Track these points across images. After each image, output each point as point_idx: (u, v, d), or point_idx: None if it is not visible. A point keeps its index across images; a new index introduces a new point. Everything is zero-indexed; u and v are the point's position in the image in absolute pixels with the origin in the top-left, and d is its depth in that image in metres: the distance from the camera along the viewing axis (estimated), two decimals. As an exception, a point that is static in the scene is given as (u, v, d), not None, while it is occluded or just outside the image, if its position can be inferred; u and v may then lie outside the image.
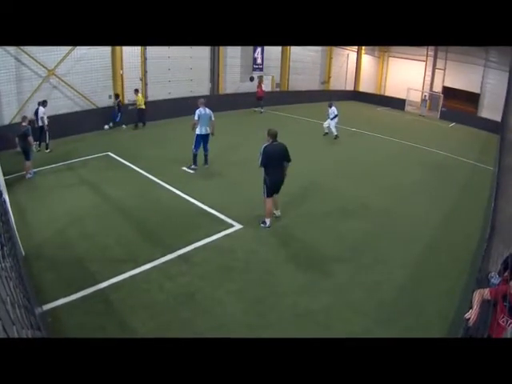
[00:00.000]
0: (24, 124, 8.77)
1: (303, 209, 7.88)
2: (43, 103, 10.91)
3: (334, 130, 14.18)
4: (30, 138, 8.65)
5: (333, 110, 13.98)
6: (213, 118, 9.24)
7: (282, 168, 6.67)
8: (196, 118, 9.06)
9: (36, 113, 10.74)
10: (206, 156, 9.70)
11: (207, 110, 9.11)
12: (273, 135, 6.59)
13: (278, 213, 7.24)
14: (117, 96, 13.74)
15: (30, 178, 8.74)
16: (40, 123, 10.73)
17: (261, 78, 19.19)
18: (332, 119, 14.02)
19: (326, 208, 7.99)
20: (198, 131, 9.19)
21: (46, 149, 10.83)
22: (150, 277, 5.35)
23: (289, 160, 6.69)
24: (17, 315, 2.33)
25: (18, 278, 3.66)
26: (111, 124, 13.59)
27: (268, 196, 6.74)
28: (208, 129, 9.23)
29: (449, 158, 12.79)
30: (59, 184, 8.52)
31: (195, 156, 9.43)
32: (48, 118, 10.86)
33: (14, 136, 8.83)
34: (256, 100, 18.34)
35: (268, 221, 6.89)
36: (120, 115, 13.57)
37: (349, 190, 9.11)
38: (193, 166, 9.53)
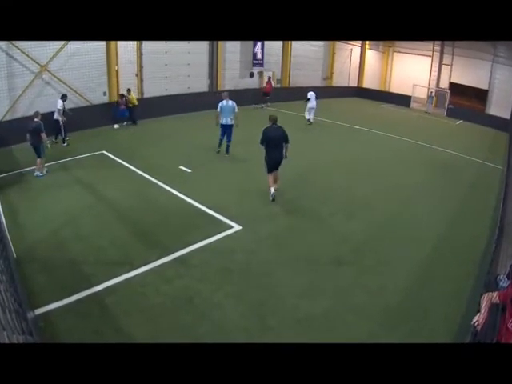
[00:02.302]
0: (36, 120, 8.68)
1: (304, 209, 7.88)
2: (63, 97, 11.36)
3: (306, 113, 15.38)
4: (43, 135, 8.61)
5: (310, 94, 15.19)
6: (236, 110, 10.11)
7: (281, 148, 7.66)
8: (218, 109, 10.08)
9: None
10: (227, 146, 10.52)
11: (230, 102, 10.02)
12: (273, 120, 7.79)
13: (274, 187, 7.91)
14: (122, 96, 13.72)
15: (39, 176, 8.78)
16: (56, 116, 11.09)
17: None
18: (306, 101, 15.24)
19: (328, 208, 7.99)
20: (220, 121, 10.21)
21: (63, 142, 11.33)
22: (146, 280, 5.34)
23: (287, 141, 7.70)
24: (8, 320, 2.33)
25: (9, 281, 3.66)
26: (124, 123, 13.71)
27: (268, 172, 7.84)
28: (229, 119, 10.07)
29: (456, 157, 12.79)
30: (52, 184, 8.51)
31: (221, 141, 10.54)
32: (67, 111, 11.37)
33: (25, 131, 8.83)
34: (262, 95, 18.64)
35: (271, 190, 7.89)
36: (123, 112, 13.69)
37: (352, 189, 9.10)
38: (218, 150, 10.66)
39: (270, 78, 19.22)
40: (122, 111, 13.63)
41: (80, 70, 13.13)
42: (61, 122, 11.19)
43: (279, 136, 7.62)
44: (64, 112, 11.31)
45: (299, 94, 21.01)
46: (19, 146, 10.58)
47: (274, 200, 7.82)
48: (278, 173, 7.99)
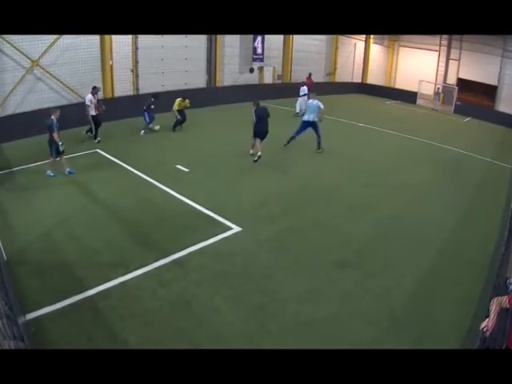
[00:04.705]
0: (53, 117, 8.48)
1: (306, 210, 7.88)
2: (93, 89, 11.26)
3: (298, 106, 16.21)
4: (55, 135, 8.43)
5: (303, 89, 16.29)
6: (321, 107, 11.32)
7: (267, 122, 10.30)
8: (304, 106, 12.03)
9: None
10: (318, 142, 11.44)
11: (315, 101, 11.31)
12: (257, 104, 10.52)
13: (259, 153, 10.12)
14: (155, 96, 12.93)
15: (50, 175, 8.74)
16: (87, 112, 11.06)
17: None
18: (301, 96, 16.20)
19: (331, 209, 7.99)
20: (304, 118, 11.39)
21: (94, 138, 11.36)
22: (142, 283, 5.34)
23: (269, 116, 10.44)
24: (-2, 325, 2.33)
25: (-1, 284, 3.66)
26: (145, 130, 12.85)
27: (254, 137, 10.39)
28: (312, 116, 11.18)
29: (463, 156, 12.78)
30: (45, 183, 8.51)
31: (293, 138, 11.36)
32: (98, 103, 11.25)
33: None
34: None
35: (251, 151, 10.60)
36: (149, 116, 12.81)
37: (355, 189, 9.10)
38: (287, 144, 11.38)
39: (310, 74, 19.98)
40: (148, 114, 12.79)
41: (73, 65, 13.12)
42: (89, 117, 11.09)
43: (264, 113, 10.35)
44: (98, 104, 11.19)
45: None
46: (11, 144, 10.60)
47: (256, 161, 10.04)
48: (263, 142, 10.37)
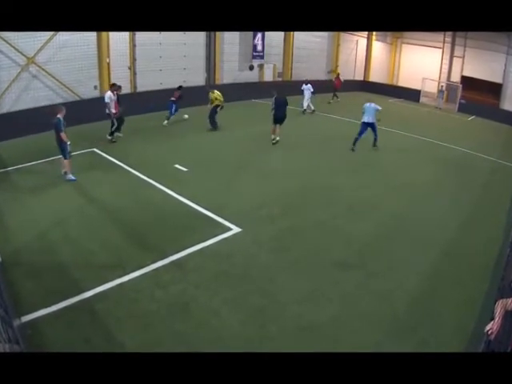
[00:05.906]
0: (59, 115, 8.24)
1: (307, 210, 7.88)
2: (111, 86, 11.25)
3: (305, 104, 17.16)
4: (62, 134, 8.18)
5: (308, 87, 17.02)
6: (379, 108, 12.24)
7: (285, 109, 12.13)
8: (363, 110, 12.40)
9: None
10: (375, 140, 12.50)
11: (372, 105, 12.29)
12: (276, 92, 12.35)
13: (277, 138, 12.16)
14: (179, 88, 13.48)
15: (70, 179, 8.50)
16: (107, 111, 11.03)
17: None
18: (310, 94, 17.20)
19: (333, 209, 7.99)
20: (363, 119, 12.26)
21: (110, 135, 11.36)
22: (139, 285, 5.34)
23: (287, 104, 12.22)
24: (-7, 327, 2.33)
25: (-6, 286, 3.66)
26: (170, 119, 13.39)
27: (274, 123, 12.12)
28: (371, 118, 12.17)
29: (468, 155, 12.79)
30: (40, 183, 8.51)
31: (356, 139, 12.26)
32: (118, 103, 11.14)
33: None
34: (333, 90, 20.56)
35: (273, 136, 12.16)
36: (175, 108, 13.45)
37: (357, 189, 9.10)
38: (353, 147, 12.25)
39: (339, 74, 21.61)
40: (170, 105, 13.35)
41: (69, 62, 13.13)
42: (112, 116, 11.07)
43: (283, 101, 12.13)
44: (118, 103, 11.14)
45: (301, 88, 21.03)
46: (6, 143, 10.60)
47: (275, 144, 12.01)
48: (280, 127, 12.10)
